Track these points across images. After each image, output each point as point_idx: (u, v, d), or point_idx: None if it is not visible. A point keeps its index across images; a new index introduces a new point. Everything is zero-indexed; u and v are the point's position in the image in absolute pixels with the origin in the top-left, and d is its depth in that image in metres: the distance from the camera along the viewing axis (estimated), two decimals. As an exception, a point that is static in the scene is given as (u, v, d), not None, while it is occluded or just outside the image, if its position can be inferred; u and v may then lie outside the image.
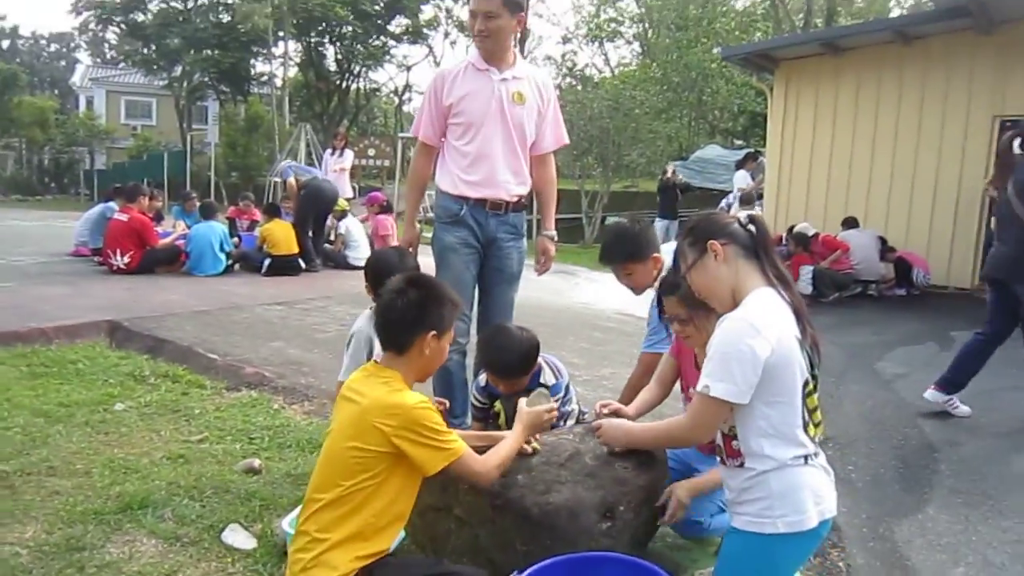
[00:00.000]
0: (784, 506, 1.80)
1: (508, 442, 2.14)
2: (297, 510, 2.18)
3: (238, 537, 2.53)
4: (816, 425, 1.89)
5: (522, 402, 2.30)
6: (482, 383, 2.98)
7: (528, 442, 2.25)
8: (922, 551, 3.06)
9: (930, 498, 3.58)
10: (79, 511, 2.65)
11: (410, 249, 3.42)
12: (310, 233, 9.11)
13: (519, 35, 3.43)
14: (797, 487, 1.81)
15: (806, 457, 1.83)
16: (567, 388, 2.95)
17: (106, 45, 46.72)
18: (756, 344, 1.75)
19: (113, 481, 2.94)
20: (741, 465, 1.86)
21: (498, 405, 2.91)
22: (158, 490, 2.85)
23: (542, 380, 2.84)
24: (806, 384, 1.84)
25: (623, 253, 2.96)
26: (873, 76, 10.42)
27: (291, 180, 9.29)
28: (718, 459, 1.98)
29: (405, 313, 2.02)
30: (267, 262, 8.52)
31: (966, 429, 4.56)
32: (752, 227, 1.93)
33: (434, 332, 2.03)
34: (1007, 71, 9.45)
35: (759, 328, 1.76)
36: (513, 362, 2.74)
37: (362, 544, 1.91)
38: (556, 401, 2.86)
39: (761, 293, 1.85)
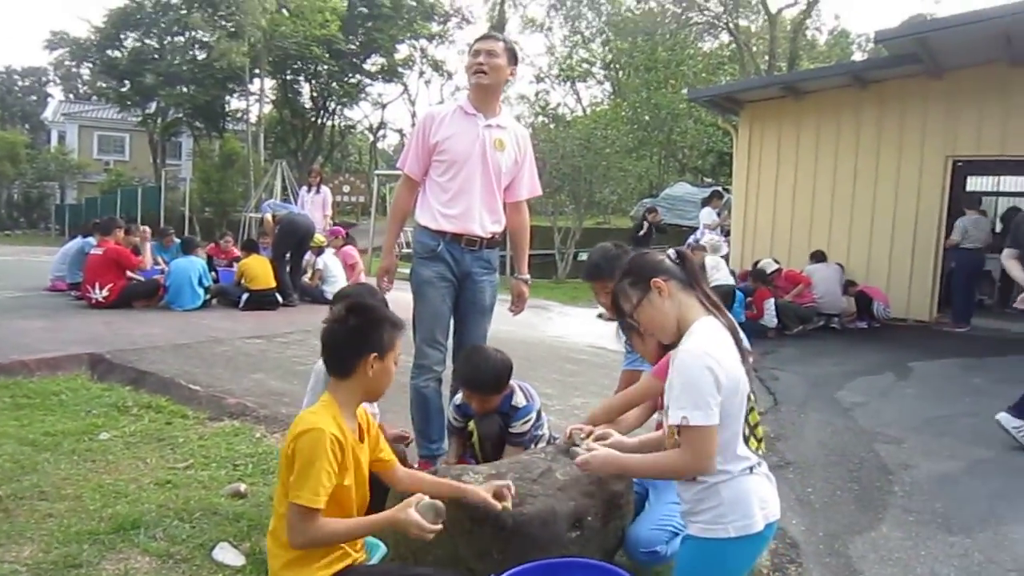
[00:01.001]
0: (734, 512, 1.99)
1: (357, 524, 2.13)
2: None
3: (228, 555, 2.65)
4: (759, 440, 2.09)
5: (414, 500, 2.11)
6: (458, 402, 3.17)
7: (503, 497, 2.25)
8: (875, 565, 3.24)
9: (884, 517, 3.77)
10: (73, 532, 2.76)
11: (386, 277, 3.61)
12: (288, 268, 9.24)
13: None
14: (745, 494, 2.00)
15: (751, 468, 2.03)
16: (539, 414, 3.15)
17: (79, 80, 46.70)
18: (715, 368, 1.93)
19: (104, 504, 3.05)
20: (694, 479, 2.05)
21: (471, 424, 3.09)
22: (148, 512, 2.97)
23: (513, 403, 3.04)
24: (749, 400, 2.04)
25: (605, 271, 3.12)
26: (832, 118, 10.88)
27: (268, 216, 9.51)
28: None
29: (347, 339, 2.17)
30: (245, 296, 8.63)
31: (921, 453, 4.80)
32: (682, 261, 2.13)
33: (376, 354, 2.15)
34: (957, 114, 9.94)
35: (713, 356, 1.95)
36: (487, 380, 2.94)
37: (306, 569, 2.05)
38: (527, 423, 3.05)
39: (705, 322, 2.05)
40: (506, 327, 9.09)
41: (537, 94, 36.22)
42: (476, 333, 3.63)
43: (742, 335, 2.11)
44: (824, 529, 3.58)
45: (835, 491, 4.11)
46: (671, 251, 2.18)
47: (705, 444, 1.93)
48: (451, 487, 2.33)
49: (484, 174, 3.51)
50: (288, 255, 9.29)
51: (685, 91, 18.44)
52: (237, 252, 10.67)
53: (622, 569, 2.07)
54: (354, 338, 2.16)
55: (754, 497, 2.01)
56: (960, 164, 10.79)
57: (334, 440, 2.05)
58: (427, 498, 2.11)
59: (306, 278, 9.60)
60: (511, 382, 3.10)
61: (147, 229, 9.76)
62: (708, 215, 11.58)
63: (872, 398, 6.16)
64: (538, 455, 2.60)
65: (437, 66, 39.27)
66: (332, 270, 9.50)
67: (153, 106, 32.82)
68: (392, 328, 2.22)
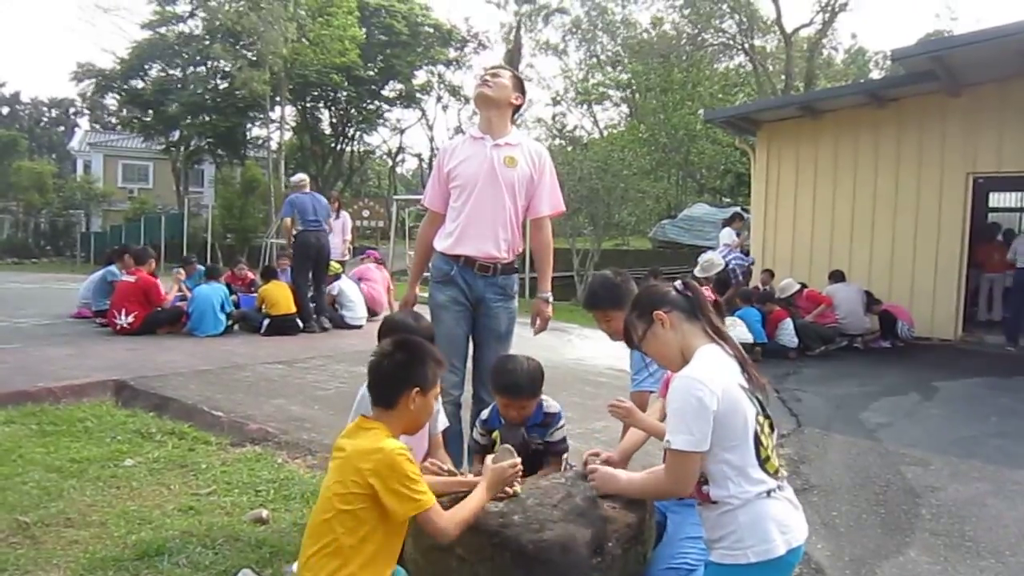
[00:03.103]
0: (752, 537, 1.98)
1: (474, 499, 2.29)
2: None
3: (250, 581, 2.67)
4: (777, 463, 2.09)
5: (488, 459, 2.48)
6: (484, 416, 3.19)
7: (511, 485, 2.42)
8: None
9: (911, 541, 3.72)
10: (99, 558, 2.80)
11: (407, 309, 3.66)
12: (310, 292, 9.27)
13: (515, 112, 3.79)
14: (762, 519, 1.99)
15: (769, 491, 2.02)
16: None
17: (105, 111, 47.66)
18: (703, 395, 1.97)
19: (129, 531, 3.08)
20: (714, 505, 2.05)
21: (495, 435, 3.11)
22: (172, 539, 2.99)
23: (546, 409, 3.07)
24: (761, 425, 2.05)
25: (605, 300, 3.21)
26: (850, 137, 10.86)
27: (287, 221, 9.49)
28: (696, 502, 2.17)
29: (392, 372, 2.27)
30: (266, 322, 8.71)
31: (948, 475, 4.72)
32: (688, 292, 2.19)
33: (418, 388, 2.26)
34: (976, 131, 9.89)
35: (704, 382, 1.99)
36: (523, 382, 2.98)
37: None
38: (559, 430, 3.08)
39: (706, 350, 2.10)
40: (526, 351, 9.09)
41: (554, 117, 36.53)
42: (490, 357, 3.60)
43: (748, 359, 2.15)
44: (850, 554, 3.53)
45: (861, 514, 4.05)
46: (678, 283, 2.22)
47: (684, 469, 2.01)
48: (460, 483, 2.50)
49: (495, 195, 3.52)
50: (311, 273, 9.25)
51: (701, 112, 18.46)
52: (252, 276, 10.77)
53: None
54: (399, 372, 2.26)
55: (772, 522, 2.00)
56: (981, 181, 10.70)
57: (402, 449, 2.13)
58: (490, 456, 2.42)
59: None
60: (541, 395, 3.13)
61: (182, 272, 10.00)
62: (728, 235, 11.55)
63: (897, 419, 6.09)
64: (558, 480, 2.60)
65: (454, 91, 39.68)
66: (349, 295, 9.55)
67: (176, 135, 33.40)
68: (436, 365, 2.34)
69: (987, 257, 11.71)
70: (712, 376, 2.01)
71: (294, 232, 9.21)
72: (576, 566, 2.19)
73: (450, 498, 2.37)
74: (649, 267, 14.30)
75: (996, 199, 15.00)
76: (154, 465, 4.04)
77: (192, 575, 2.71)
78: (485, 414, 3.21)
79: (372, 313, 10.02)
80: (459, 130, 50.71)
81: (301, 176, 9.96)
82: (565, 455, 3.17)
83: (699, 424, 1.96)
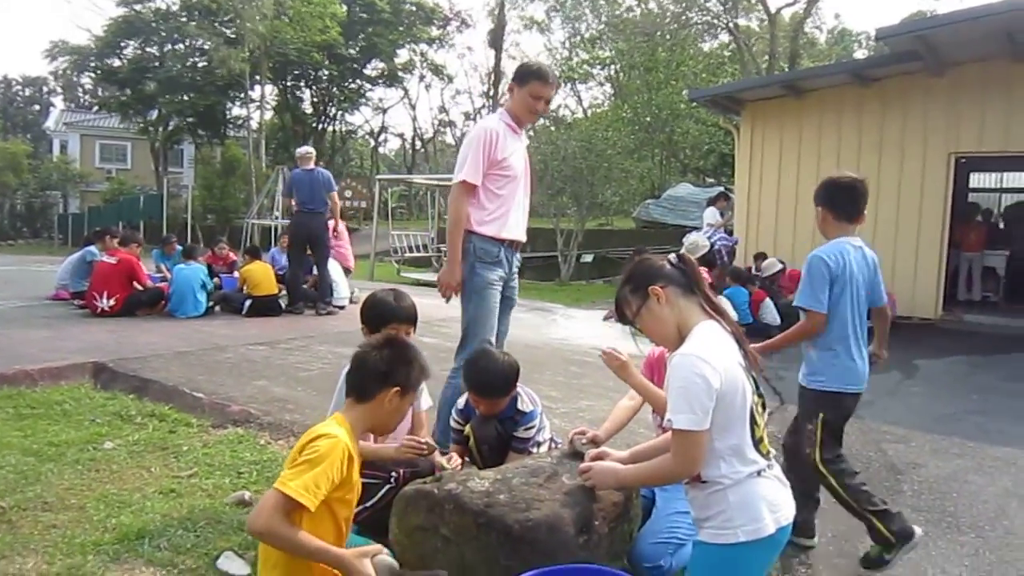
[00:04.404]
0: (742, 516, 1.97)
1: (320, 549, 2.00)
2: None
3: (233, 564, 2.63)
4: (767, 443, 2.07)
5: (371, 553, 2.09)
6: (460, 405, 3.16)
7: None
8: (885, 567, 3.22)
9: (893, 517, 3.76)
10: (77, 543, 2.75)
11: (453, 290, 3.77)
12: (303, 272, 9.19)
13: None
14: (752, 497, 1.98)
15: (759, 471, 2.00)
16: (541, 417, 3.14)
17: (80, 90, 46.82)
18: (707, 373, 1.92)
19: (108, 514, 3.03)
20: (703, 484, 2.03)
21: (468, 428, 3.07)
22: (153, 522, 2.95)
23: (519, 406, 3.02)
24: (755, 405, 2.02)
25: None
26: (834, 116, 10.87)
27: (286, 200, 9.36)
28: (684, 481, 2.15)
29: (377, 365, 2.22)
30: (248, 303, 8.61)
31: (929, 452, 4.77)
32: (683, 266, 2.13)
33: (398, 389, 2.22)
34: (960, 110, 9.91)
35: (707, 359, 1.93)
36: (496, 382, 2.94)
37: None
38: (531, 429, 3.04)
39: (704, 327, 2.04)
40: (511, 330, 9.08)
41: (538, 96, 36.11)
42: (506, 324, 4.07)
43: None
44: (833, 530, 3.55)
45: (843, 491, 4.08)
46: (672, 256, 2.16)
47: (692, 448, 1.94)
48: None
49: (526, 186, 3.99)
50: (308, 254, 9.12)
51: (685, 92, 18.40)
52: (234, 257, 10.66)
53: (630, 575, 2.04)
54: (384, 368, 2.22)
55: (762, 501, 1.99)
56: (963, 161, 10.75)
57: (347, 451, 2.06)
58: (387, 554, 2.17)
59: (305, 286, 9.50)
60: (518, 387, 3.09)
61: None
62: (712, 215, 11.56)
63: (879, 397, 6.13)
64: (544, 459, 2.58)
65: (437, 70, 39.36)
66: (333, 276, 9.45)
67: (154, 114, 32.90)
68: (421, 371, 2.31)
69: (965, 237, 11.82)
70: (714, 353, 1.96)
71: (290, 213, 9.13)
72: (563, 545, 2.18)
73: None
74: (633, 247, 14.30)
75: (976, 179, 15.11)
76: (134, 448, 3.98)
77: (173, 558, 2.66)
78: (461, 403, 3.18)
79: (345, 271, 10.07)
80: (443, 109, 50.42)
81: (304, 149, 9.57)
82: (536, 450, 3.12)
83: (702, 402, 1.90)
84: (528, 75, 3.79)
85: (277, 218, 18.03)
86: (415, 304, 3.20)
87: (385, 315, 2.99)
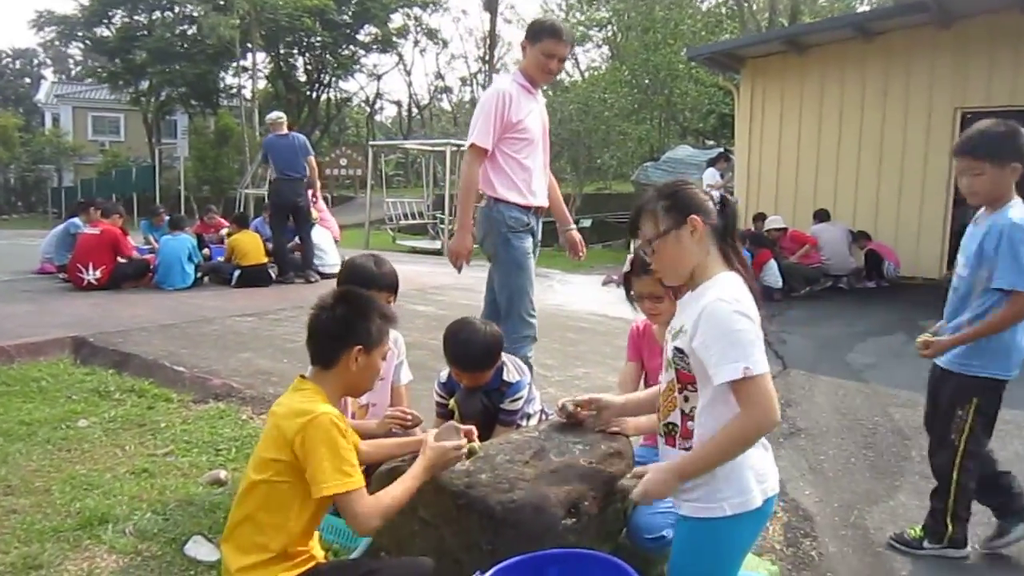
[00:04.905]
0: (729, 488, 1.80)
1: (404, 482, 2.00)
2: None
3: (201, 549, 2.48)
4: None
5: (430, 434, 2.20)
6: (443, 378, 2.97)
7: (470, 442, 2.20)
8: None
9: (901, 485, 3.61)
10: (36, 529, 2.59)
11: (464, 259, 3.67)
12: (289, 243, 8.95)
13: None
14: (740, 468, 1.80)
15: None
16: (530, 387, 2.95)
17: (71, 61, 46.14)
18: (753, 318, 1.76)
19: (73, 498, 2.87)
20: (678, 450, 1.84)
21: (452, 402, 2.89)
22: (120, 505, 2.80)
23: (505, 378, 2.84)
24: None
25: (981, 148, 2.66)
26: (836, 72, 10.57)
27: (263, 167, 9.05)
28: (662, 442, 1.95)
29: (332, 328, 2.02)
30: (236, 273, 8.42)
31: (936, 416, 4.60)
32: (726, 211, 1.90)
33: (361, 347, 2.00)
34: (966, 64, 9.62)
35: (747, 312, 1.76)
36: (477, 355, 2.74)
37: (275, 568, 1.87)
38: (519, 400, 2.86)
39: (731, 277, 1.83)
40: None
41: (534, 60, 35.55)
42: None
43: None
44: (839, 499, 3.41)
45: (849, 458, 3.94)
46: (715, 193, 1.94)
47: (767, 395, 1.73)
48: (416, 442, 2.24)
49: (544, 149, 3.87)
50: (291, 223, 8.90)
51: (684, 51, 17.99)
52: (226, 225, 10.42)
53: (622, 561, 1.87)
54: (340, 329, 2.02)
55: (749, 471, 1.82)
56: (969, 116, 10.46)
57: (337, 419, 1.90)
58: (433, 432, 2.12)
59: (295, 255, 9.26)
60: (503, 356, 2.89)
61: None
62: (712, 176, 11.29)
63: (884, 359, 5.98)
64: (531, 433, 2.39)
65: (432, 34, 38.66)
66: (322, 245, 9.22)
67: (145, 84, 32.36)
68: (382, 321, 2.08)
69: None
70: (750, 307, 1.78)
71: (269, 181, 8.86)
72: (549, 528, 2.01)
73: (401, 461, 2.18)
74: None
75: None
76: (110, 425, 3.82)
77: (138, 544, 2.51)
78: (444, 376, 2.99)
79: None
80: (438, 75, 49.70)
81: (275, 114, 9.27)
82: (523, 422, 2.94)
83: (757, 344, 1.73)
84: (541, 32, 3.61)
85: (248, 188, 17.69)
86: (396, 271, 2.99)
87: (363, 282, 2.78)
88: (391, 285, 2.90)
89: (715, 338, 1.73)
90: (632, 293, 2.63)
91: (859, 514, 3.27)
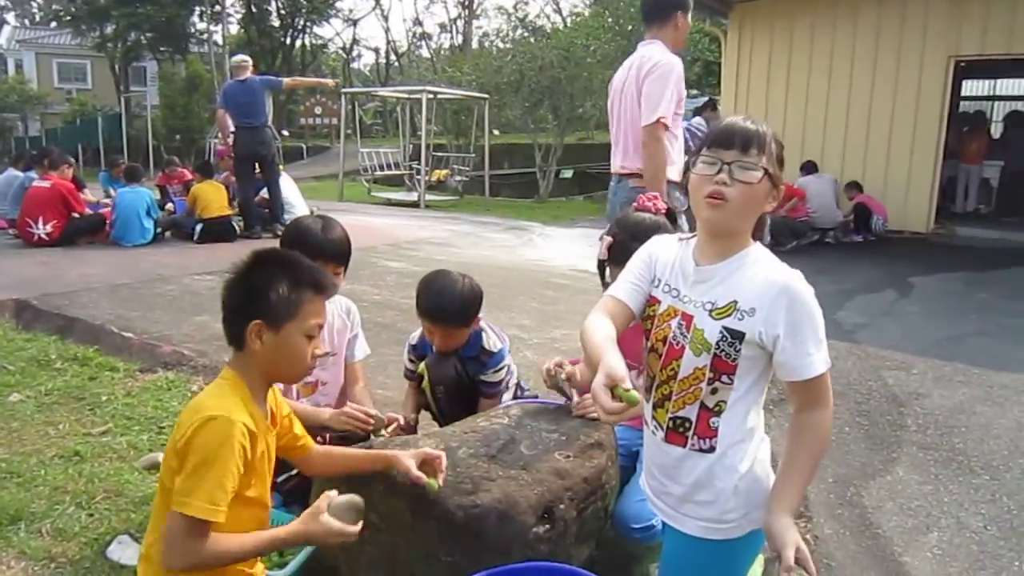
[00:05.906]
0: (748, 503, 1.53)
1: (260, 539, 1.60)
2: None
3: (126, 551, 2.18)
4: None
5: (328, 499, 1.64)
6: (414, 340, 2.67)
7: (434, 469, 1.80)
8: (894, 516, 2.88)
9: (898, 457, 3.40)
10: (-65, 530, 2.28)
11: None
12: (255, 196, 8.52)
13: None
14: (761, 475, 1.56)
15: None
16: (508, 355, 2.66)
17: (34, 4, 44.29)
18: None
19: (-13, 490, 2.56)
20: (709, 449, 1.55)
21: (422, 367, 2.59)
22: (39, 498, 2.48)
23: (485, 345, 2.53)
24: None
25: None
26: (828, 17, 10.16)
27: (219, 113, 8.59)
28: (659, 437, 1.62)
29: (229, 299, 1.67)
30: (199, 227, 7.99)
31: (932, 380, 4.39)
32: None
33: (259, 321, 1.63)
34: (962, 11, 9.25)
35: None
36: (452, 307, 2.42)
37: None
38: (502, 370, 2.56)
39: (766, 251, 1.58)
40: (483, 251, 8.62)
41: (516, 5, 34.67)
42: None
43: None
44: (834, 474, 3.19)
45: (843, 427, 3.70)
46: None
47: (829, 388, 1.53)
48: (374, 458, 1.86)
49: None
50: (256, 173, 8.44)
51: (669, -5, 17.38)
52: (190, 176, 9.92)
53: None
54: (237, 298, 1.65)
55: (769, 478, 1.56)
56: (963, 65, 10.12)
57: (245, 433, 1.54)
58: (336, 495, 1.63)
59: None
60: (482, 322, 2.58)
61: None
62: (700, 124, 10.92)
63: (874, 318, 5.75)
64: (499, 420, 2.08)
65: (409, -22, 37.37)
66: (290, 198, 8.77)
67: (110, 28, 31.07)
68: (294, 289, 1.65)
69: (966, 147, 11.32)
70: None
71: (232, 130, 8.36)
72: (517, 537, 1.71)
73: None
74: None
75: (969, 87, 14.46)
76: (45, 399, 3.50)
77: (52, 547, 2.20)
78: (415, 337, 2.67)
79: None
80: (417, 20, 48.20)
81: (239, 57, 8.83)
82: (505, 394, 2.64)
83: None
84: (688, 5, 3.63)
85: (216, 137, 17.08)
86: (347, 238, 2.53)
87: (307, 248, 2.23)
88: (339, 254, 2.45)
89: (806, 324, 1.47)
90: (607, 280, 2.32)
91: (856, 491, 3.06)
